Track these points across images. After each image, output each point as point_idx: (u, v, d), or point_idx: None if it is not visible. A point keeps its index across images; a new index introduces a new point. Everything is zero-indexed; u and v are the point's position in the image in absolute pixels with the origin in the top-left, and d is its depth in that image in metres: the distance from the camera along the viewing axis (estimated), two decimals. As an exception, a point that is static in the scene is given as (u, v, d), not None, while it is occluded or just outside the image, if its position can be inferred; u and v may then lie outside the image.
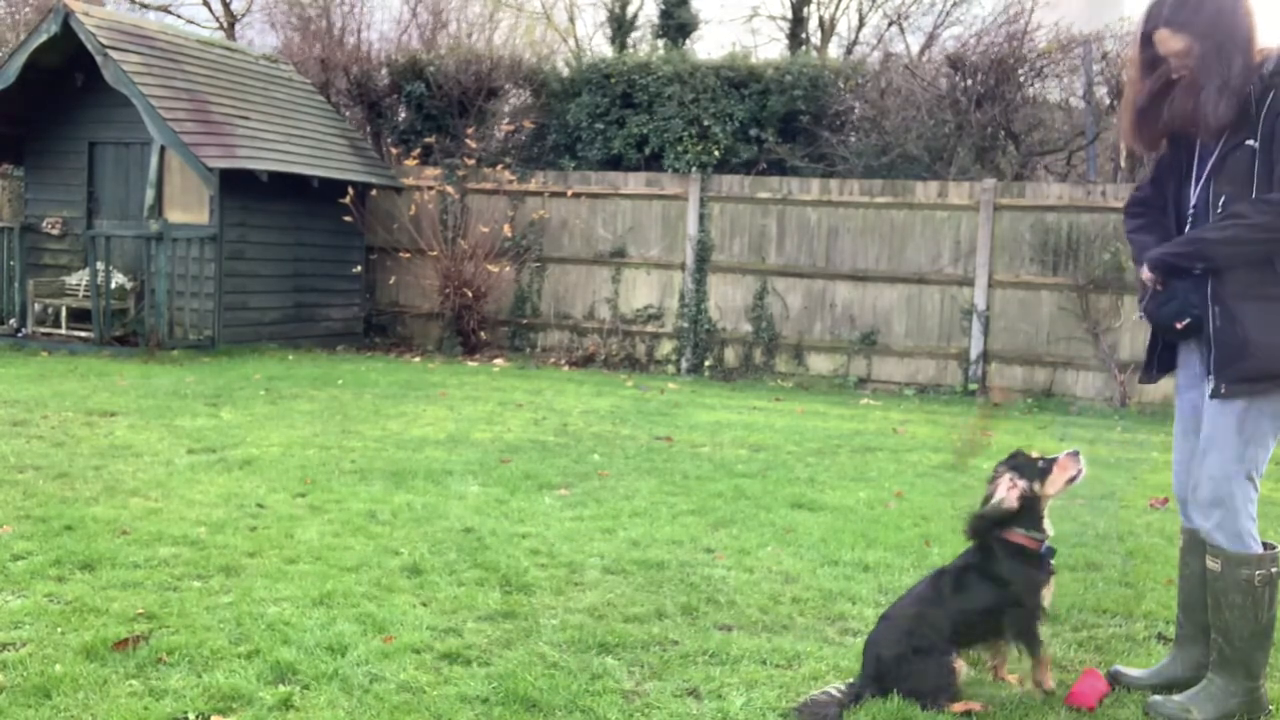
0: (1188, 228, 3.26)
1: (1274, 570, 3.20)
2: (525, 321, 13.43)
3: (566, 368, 12.53)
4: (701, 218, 12.59)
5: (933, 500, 6.03)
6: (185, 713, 3.01)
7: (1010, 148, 12.53)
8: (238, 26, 23.56)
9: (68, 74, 12.36)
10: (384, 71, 14.97)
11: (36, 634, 3.53)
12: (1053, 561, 3.38)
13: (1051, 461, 3.35)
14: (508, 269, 13.14)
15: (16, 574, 4.09)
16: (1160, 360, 3.47)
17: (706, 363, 12.63)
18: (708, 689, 3.32)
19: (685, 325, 12.69)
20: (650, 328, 12.95)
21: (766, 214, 12.40)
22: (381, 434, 7.39)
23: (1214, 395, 3.15)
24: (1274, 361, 3.08)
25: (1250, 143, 3.10)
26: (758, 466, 6.84)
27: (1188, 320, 3.22)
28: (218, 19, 23.78)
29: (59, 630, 3.56)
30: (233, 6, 23.63)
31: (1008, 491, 3.31)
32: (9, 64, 11.94)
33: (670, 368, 12.74)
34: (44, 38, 11.68)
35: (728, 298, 12.62)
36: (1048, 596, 3.36)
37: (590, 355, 12.95)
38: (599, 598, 4.14)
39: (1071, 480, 3.34)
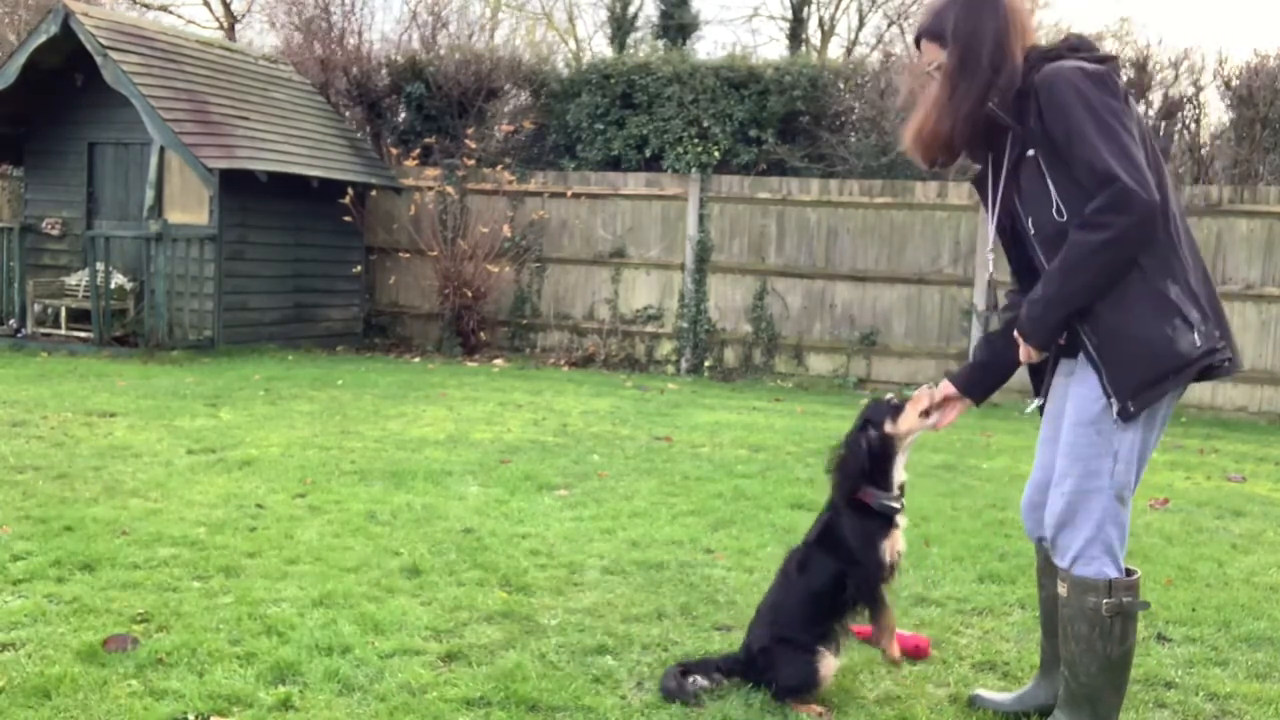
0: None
1: (1127, 600, 2.83)
2: (525, 322, 13.43)
3: (566, 368, 12.53)
4: (701, 218, 12.59)
5: (932, 500, 6.03)
6: (185, 713, 3.01)
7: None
8: (238, 26, 23.55)
9: (68, 74, 12.35)
10: (384, 72, 14.97)
11: (36, 634, 3.52)
12: (899, 515, 3.21)
13: (904, 400, 3.22)
14: (507, 269, 13.14)
15: (16, 574, 4.08)
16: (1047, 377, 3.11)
17: (706, 363, 12.63)
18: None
19: (685, 325, 12.70)
20: (650, 328, 12.95)
21: (766, 214, 12.41)
22: (381, 434, 7.39)
23: (1123, 416, 2.75)
24: (1162, 357, 2.70)
25: (1030, 153, 2.80)
26: (757, 467, 6.84)
27: (1065, 332, 2.86)
28: (218, 19, 23.78)
29: (58, 631, 3.56)
30: (233, 6, 23.64)
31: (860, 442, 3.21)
32: (9, 64, 11.94)
33: (670, 368, 12.74)
34: (44, 38, 11.67)
35: (727, 298, 12.62)
36: (890, 550, 3.20)
37: (590, 355, 12.95)
38: (599, 598, 4.14)
39: (926, 413, 3.16)
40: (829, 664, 3.21)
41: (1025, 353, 2.93)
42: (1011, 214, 2.96)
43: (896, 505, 3.23)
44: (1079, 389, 2.86)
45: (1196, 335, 2.72)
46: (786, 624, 3.26)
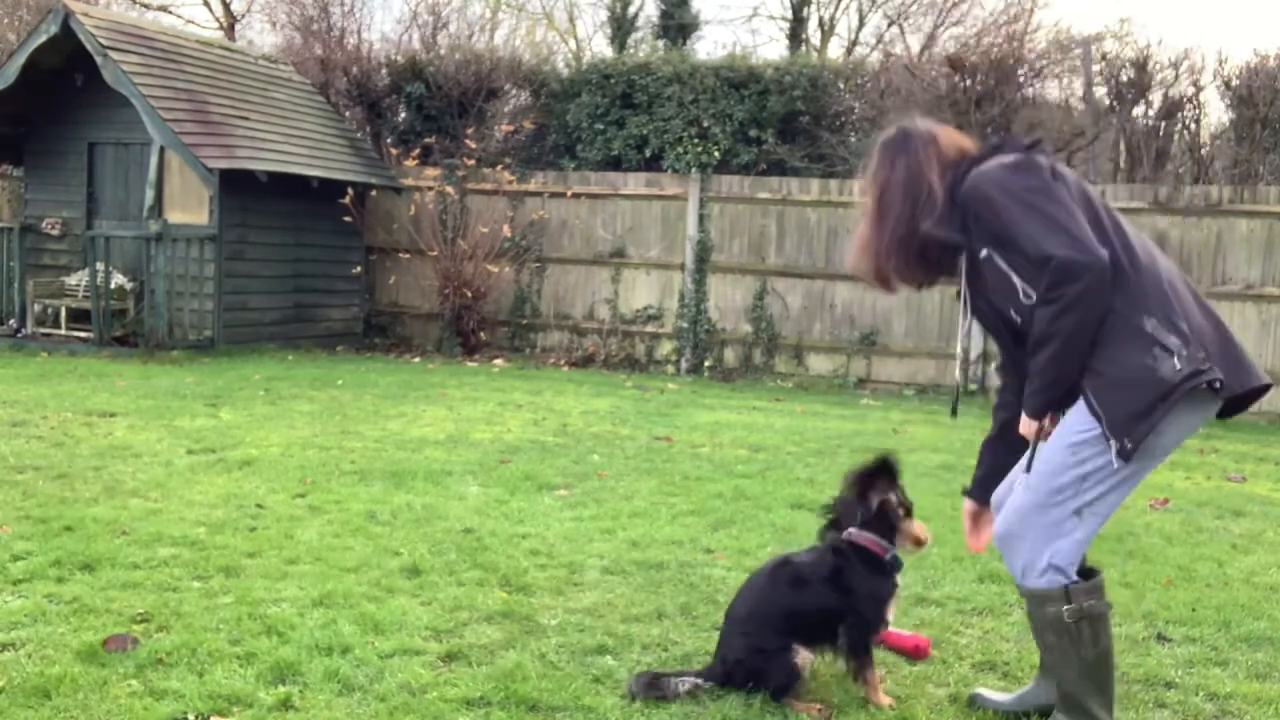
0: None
1: (1089, 604, 2.90)
2: (525, 322, 13.43)
3: (566, 368, 12.53)
4: (701, 218, 12.59)
5: (933, 500, 6.02)
6: (185, 713, 3.01)
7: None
8: (238, 26, 23.55)
9: (68, 74, 12.35)
10: (384, 72, 14.97)
11: (36, 634, 3.52)
12: (899, 575, 3.32)
13: (910, 511, 3.36)
14: (507, 269, 13.14)
15: (16, 574, 4.09)
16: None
17: (706, 363, 12.63)
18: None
19: (685, 325, 12.69)
20: (650, 328, 12.95)
21: (766, 214, 12.41)
22: (381, 434, 7.39)
23: (1123, 456, 2.82)
24: (1147, 386, 2.80)
25: (984, 253, 2.94)
26: (757, 467, 6.84)
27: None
28: (218, 19, 23.77)
29: (58, 631, 3.56)
30: (233, 6, 23.64)
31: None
32: (9, 64, 11.94)
33: (670, 368, 12.74)
34: (44, 38, 11.67)
35: (727, 298, 12.62)
36: (891, 609, 3.31)
37: (590, 355, 12.95)
38: (599, 598, 4.14)
39: (919, 544, 3.37)
40: (804, 656, 3.25)
41: (1024, 425, 3.00)
42: (996, 314, 3.05)
43: (902, 559, 3.35)
44: (1071, 415, 2.94)
45: (1177, 360, 2.80)
46: (763, 632, 3.27)
